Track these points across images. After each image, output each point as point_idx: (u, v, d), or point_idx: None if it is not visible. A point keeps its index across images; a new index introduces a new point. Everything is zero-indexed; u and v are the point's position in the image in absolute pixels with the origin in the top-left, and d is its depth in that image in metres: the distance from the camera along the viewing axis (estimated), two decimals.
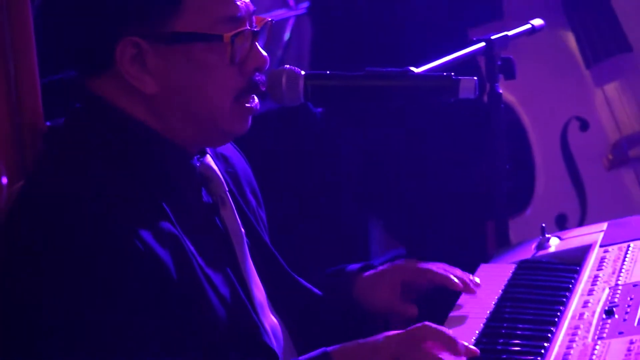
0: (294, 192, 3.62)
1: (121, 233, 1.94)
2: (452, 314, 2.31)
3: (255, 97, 2.16)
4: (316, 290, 2.40)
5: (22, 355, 1.96)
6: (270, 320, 2.23)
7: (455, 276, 2.38)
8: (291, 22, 4.80)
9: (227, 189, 2.21)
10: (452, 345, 1.99)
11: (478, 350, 2.01)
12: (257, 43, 2.13)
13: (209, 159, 2.20)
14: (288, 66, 2.31)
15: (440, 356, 1.97)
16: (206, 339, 2.03)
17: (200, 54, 2.06)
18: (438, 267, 2.42)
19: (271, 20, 2.17)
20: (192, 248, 2.04)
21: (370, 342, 2.03)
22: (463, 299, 2.36)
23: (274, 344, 2.17)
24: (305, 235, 3.61)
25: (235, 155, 2.36)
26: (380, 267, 2.45)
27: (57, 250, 1.93)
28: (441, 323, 2.25)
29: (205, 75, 2.08)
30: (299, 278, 2.38)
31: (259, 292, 2.22)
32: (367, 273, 2.45)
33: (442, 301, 2.40)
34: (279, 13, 4.71)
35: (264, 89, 2.17)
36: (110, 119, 2.08)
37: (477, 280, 2.38)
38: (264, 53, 2.14)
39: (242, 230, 2.21)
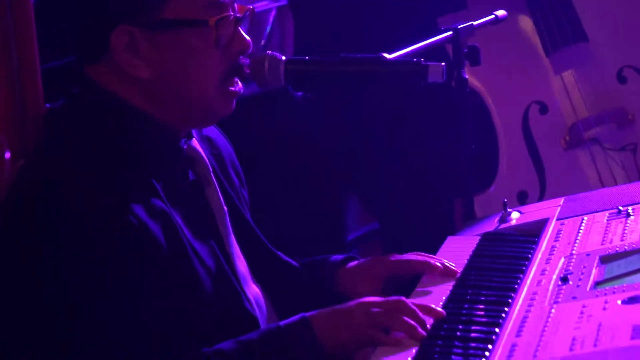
0: (276, 170, 3.63)
1: (115, 209, 1.95)
2: (421, 281, 2.31)
3: (239, 81, 2.16)
4: (294, 263, 2.40)
5: (19, 323, 1.96)
6: (253, 289, 2.24)
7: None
8: (273, 12, 4.79)
9: (211, 169, 2.21)
10: (422, 324, 2.00)
11: (444, 312, 2.02)
12: (240, 28, 2.13)
13: (195, 142, 2.20)
14: (270, 52, 2.32)
15: (410, 326, 1.98)
16: (193, 306, 2.04)
17: (187, 39, 2.06)
18: (417, 256, 2.39)
19: (252, 8, 2.17)
20: (180, 223, 2.05)
21: (346, 307, 2.04)
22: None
23: (257, 311, 2.18)
24: (287, 210, 3.62)
25: (220, 137, 2.36)
26: (362, 260, 2.43)
27: (54, 224, 1.93)
28: (411, 290, 2.27)
29: (192, 59, 2.08)
30: (277, 251, 2.38)
31: (241, 263, 2.23)
32: (350, 265, 2.42)
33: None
34: (262, 4, 4.71)
35: (247, 71, 2.18)
36: (104, 103, 2.08)
37: (453, 265, 2.33)
38: (247, 37, 2.14)
39: (225, 207, 2.22)
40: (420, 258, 2.37)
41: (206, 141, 2.29)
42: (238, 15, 2.12)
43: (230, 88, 2.14)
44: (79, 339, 1.92)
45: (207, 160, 2.21)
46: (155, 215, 2.00)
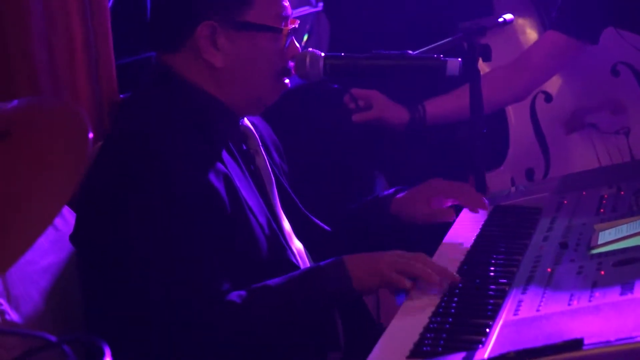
0: (318, 151, 3.64)
1: (188, 171, 2.00)
2: (441, 246, 2.33)
3: (287, 79, 2.23)
4: (326, 227, 2.43)
5: (106, 269, 2.01)
6: (297, 245, 2.28)
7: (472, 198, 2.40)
8: (312, 17, 4.80)
9: (260, 143, 2.26)
10: (441, 273, 2.02)
11: (459, 277, 2.03)
12: (293, 37, 2.20)
13: (246, 121, 2.25)
14: (311, 49, 2.34)
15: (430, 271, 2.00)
16: (248, 258, 2.09)
17: (260, 40, 2.14)
18: (463, 188, 2.44)
19: (298, 22, 2.23)
20: (238, 184, 2.09)
21: (376, 254, 2.06)
22: (450, 233, 2.39)
23: (300, 263, 2.22)
24: (325, 185, 3.63)
25: (261, 123, 2.40)
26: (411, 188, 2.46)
27: (139, 185, 1.98)
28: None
29: (260, 57, 2.15)
30: (313, 217, 2.41)
31: (286, 223, 2.27)
32: (399, 194, 2.46)
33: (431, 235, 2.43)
34: (304, 9, 4.72)
35: (294, 73, 2.24)
36: (177, 86, 2.13)
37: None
38: (298, 45, 2.23)
39: (272, 175, 2.26)
40: (466, 193, 2.42)
41: (253, 125, 2.33)
42: (295, 26, 2.20)
43: (283, 82, 2.22)
44: (157, 280, 1.95)
45: (257, 136, 2.26)
46: (220, 178, 2.05)
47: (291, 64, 2.22)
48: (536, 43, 3.21)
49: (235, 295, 1.98)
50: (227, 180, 2.06)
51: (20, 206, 1.42)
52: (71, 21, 2.30)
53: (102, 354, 1.28)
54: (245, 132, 2.24)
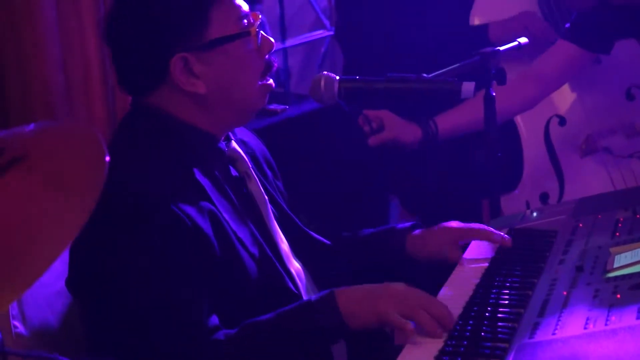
0: (330, 174, 3.64)
1: (170, 211, 1.95)
2: (456, 269, 2.32)
3: (270, 79, 2.18)
4: (326, 241, 2.40)
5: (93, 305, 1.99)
6: (295, 266, 2.25)
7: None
8: (327, 39, 4.83)
9: (251, 165, 2.22)
10: (446, 321, 1.94)
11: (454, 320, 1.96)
12: (262, 31, 2.16)
13: (234, 144, 2.21)
14: (325, 72, 2.34)
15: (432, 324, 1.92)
16: (242, 291, 2.05)
17: (233, 50, 2.09)
18: (478, 226, 2.40)
19: (260, 15, 2.19)
20: (226, 217, 2.05)
21: (375, 291, 2.00)
22: (465, 256, 2.38)
23: (300, 286, 2.19)
24: (338, 208, 3.64)
25: (252, 138, 2.37)
26: (429, 228, 2.43)
27: (118, 226, 1.94)
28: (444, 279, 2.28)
29: (240, 66, 2.11)
30: (312, 232, 2.38)
31: (284, 244, 2.23)
32: (416, 231, 2.43)
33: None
34: (318, 33, 4.75)
35: (276, 65, 2.19)
36: (156, 120, 2.09)
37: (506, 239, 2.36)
38: (271, 39, 2.17)
39: (265, 197, 2.23)
40: (482, 227, 2.38)
41: (242, 144, 2.30)
42: (259, 21, 2.16)
43: (267, 83, 2.17)
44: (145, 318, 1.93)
45: (246, 159, 2.22)
46: (204, 214, 2.00)
47: (270, 57, 2.17)
48: (547, 52, 3.22)
49: (222, 334, 1.96)
50: (214, 218, 2.02)
51: (38, 229, 1.43)
52: (87, 46, 2.31)
53: None
54: (233, 156, 2.19)
